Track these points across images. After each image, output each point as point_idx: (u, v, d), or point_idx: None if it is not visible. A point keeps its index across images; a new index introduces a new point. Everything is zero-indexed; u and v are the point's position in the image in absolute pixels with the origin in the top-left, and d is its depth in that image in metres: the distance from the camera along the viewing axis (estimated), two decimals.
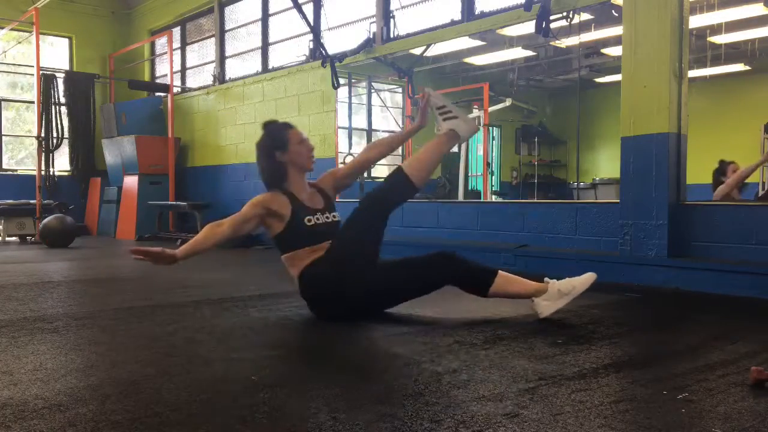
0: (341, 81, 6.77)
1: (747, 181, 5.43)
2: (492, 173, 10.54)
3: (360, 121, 10.19)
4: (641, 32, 4.11)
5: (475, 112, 9.56)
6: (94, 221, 9.34)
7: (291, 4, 6.55)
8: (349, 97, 9.54)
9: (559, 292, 2.68)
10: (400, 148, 10.73)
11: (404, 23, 6.26)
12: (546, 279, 2.74)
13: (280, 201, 2.75)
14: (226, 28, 8.80)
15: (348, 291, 2.67)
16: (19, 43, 9.41)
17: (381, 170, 10.57)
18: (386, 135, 3.35)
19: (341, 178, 3.06)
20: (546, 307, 2.69)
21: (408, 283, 2.78)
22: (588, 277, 2.70)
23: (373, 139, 10.34)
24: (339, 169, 3.13)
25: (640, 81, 4.12)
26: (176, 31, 9.64)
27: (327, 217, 2.82)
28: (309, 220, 2.74)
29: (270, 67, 7.96)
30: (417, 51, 6.86)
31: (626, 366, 2.05)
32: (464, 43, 7.62)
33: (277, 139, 2.81)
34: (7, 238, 7.83)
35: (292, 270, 2.77)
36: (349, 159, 8.68)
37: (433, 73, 10.06)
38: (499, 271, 2.74)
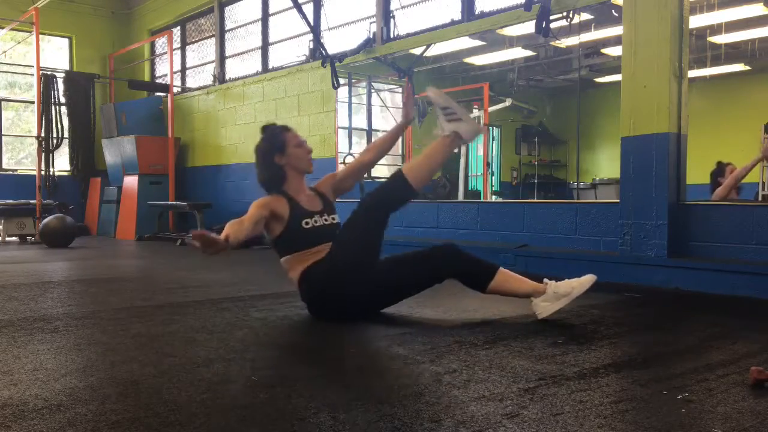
0: (341, 81, 6.77)
1: (746, 180, 5.43)
2: (492, 173, 10.55)
3: (360, 121, 10.19)
4: (641, 32, 4.11)
5: (475, 112, 9.56)
6: (94, 221, 9.34)
7: (291, 4, 6.56)
8: (349, 97, 9.55)
9: (557, 294, 2.66)
10: (400, 149, 10.77)
11: (404, 23, 6.26)
12: (545, 280, 2.72)
13: (280, 203, 2.75)
14: (226, 28, 8.80)
15: (349, 291, 2.67)
16: (19, 43, 9.41)
17: (381, 170, 10.58)
18: (381, 135, 3.27)
19: (340, 181, 3.05)
20: (544, 308, 2.67)
21: (410, 279, 2.76)
22: (587, 279, 2.67)
23: (373, 140, 10.36)
24: (338, 173, 3.13)
25: (640, 81, 4.12)
26: (176, 31, 9.64)
27: (326, 220, 2.81)
28: (306, 223, 2.73)
29: (270, 67, 7.97)
30: (417, 51, 6.86)
31: (626, 366, 2.05)
32: (464, 43, 7.63)
33: (275, 142, 2.81)
34: (7, 238, 7.83)
35: (291, 273, 2.76)
36: (349, 159, 8.69)
37: (433, 73, 10.07)
38: (500, 269, 2.73)
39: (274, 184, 2.82)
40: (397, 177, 2.70)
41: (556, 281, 2.72)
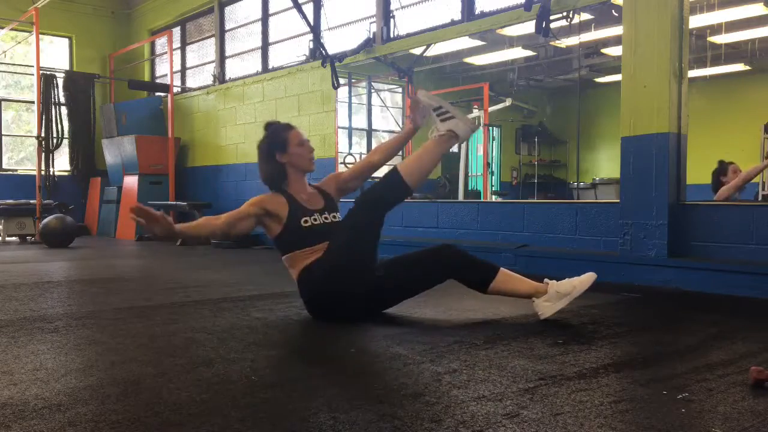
0: (341, 81, 6.77)
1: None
2: (492, 173, 10.55)
3: (360, 121, 10.18)
4: (641, 32, 4.11)
5: (475, 112, 9.57)
6: (94, 221, 9.34)
7: (291, 4, 6.56)
8: (349, 97, 9.54)
9: (558, 293, 2.65)
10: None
11: (404, 23, 6.26)
12: (546, 280, 2.72)
13: (277, 202, 2.76)
14: (226, 28, 8.80)
15: (346, 290, 2.66)
16: (19, 43, 9.41)
17: (381, 170, 10.57)
18: (388, 138, 3.30)
19: (344, 182, 3.06)
20: (546, 308, 2.66)
21: (410, 280, 2.78)
22: (588, 277, 2.66)
23: (373, 140, 10.35)
24: (343, 173, 3.13)
25: (640, 81, 4.12)
26: (176, 31, 9.64)
27: (326, 218, 2.81)
28: (306, 221, 2.73)
29: (270, 67, 7.97)
30: (417, 51, 6.86)
31: (626, 366, 2.05)
32: (464, 43, 7.62)
33: (276, 140, 2.82)
34: (7, 238, 7.83)
35: (291, 271, 2.78)
36: (349, 159, 8.69)
37: (433, 73, 10.06)
38: (501, 269, 2.74)
39: (275, 182, 2.84)
40: (393, 175, 2.69)
41: (557, 280, 2.72)
